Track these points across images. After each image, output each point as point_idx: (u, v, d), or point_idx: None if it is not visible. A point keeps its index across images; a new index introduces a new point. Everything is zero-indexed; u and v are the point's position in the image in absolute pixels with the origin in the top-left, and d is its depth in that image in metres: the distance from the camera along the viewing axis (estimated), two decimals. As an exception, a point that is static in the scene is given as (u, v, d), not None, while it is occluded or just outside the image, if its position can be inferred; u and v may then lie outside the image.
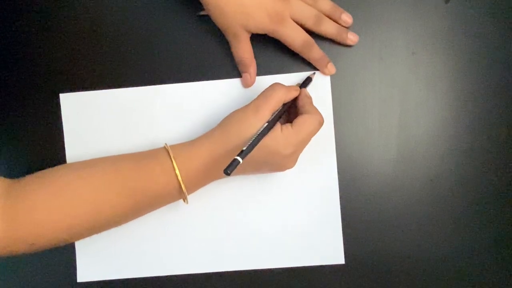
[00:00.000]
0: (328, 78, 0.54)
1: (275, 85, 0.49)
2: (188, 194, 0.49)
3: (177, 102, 0.55)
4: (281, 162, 0.48)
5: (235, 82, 0.54)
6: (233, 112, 0.49)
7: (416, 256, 0.54)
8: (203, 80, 0.55)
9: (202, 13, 0.53)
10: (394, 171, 0.54)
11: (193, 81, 0.55)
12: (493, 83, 0.54)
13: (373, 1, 0.54)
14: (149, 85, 0.55)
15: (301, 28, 0.51)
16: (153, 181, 0.47)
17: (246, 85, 0.54)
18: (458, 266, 0.54)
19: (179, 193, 0.48)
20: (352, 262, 0.54)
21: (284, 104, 0.49)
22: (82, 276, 0.55)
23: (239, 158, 0.43)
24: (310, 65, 0.54)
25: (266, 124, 0.46)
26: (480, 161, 0.54)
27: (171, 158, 0.47)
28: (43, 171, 0.47)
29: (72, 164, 0.50)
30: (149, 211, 0.51)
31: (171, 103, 0.55)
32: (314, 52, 0.52)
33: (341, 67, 0.54)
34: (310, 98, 0.51)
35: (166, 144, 0.49)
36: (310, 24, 0.52)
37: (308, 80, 0.53)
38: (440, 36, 0.54)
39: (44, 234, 0.45)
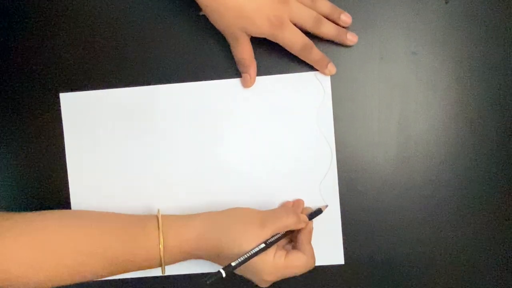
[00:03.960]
0: (328, 78, 0.54)
1: (289, 211, 0.49)
2: (166, 265, 0.48)
3: (177, 102, 0.55)
4: (258, 280, 0.48)
5: (235, 82, 0.54)
6: (239, 211, 0.49)
7: (416, 256, 0.54)
8: (203, 80, 0.55)
9: (202, 13, 0.53)
10: (394, 171, 0.54)
11: (193, 81, 0.55)
12: (493, 83, 0.54)
13: (373, 1, 0.54)
14: (149, 85, 0.55)
15: (300, 32, 0.51)
16: (135, 254, 0.47)
17: (246, 85, 0.54)
18: (458, 266, 0.54)
19: (159, 264, 0.48)
20: (352, 262, 0.54)
21: (287, 231, 0.49)
22: (82, 276, 0.55)
23: (223, 272, 0.42)
24: (310, 65, 0.53)
25: (264, 245, 0.45)
26: (480, 161, 0.54)
27: (159, 229, 0.47)
28: (27, 214, 0.45)
29: (60, 216, 0.47)
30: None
31: (171, 103, 0.55)
32: (314, 54, 0.52)
33: (341, 67, 0.54)
34: (311, 233, 0.50)
35: (158, 211, 0.49)
36: (309, 27, 0.51)
37: (318, 212, 0.52)
38: (440, 36, 0.54)
39: (13, 284, 0.43)
